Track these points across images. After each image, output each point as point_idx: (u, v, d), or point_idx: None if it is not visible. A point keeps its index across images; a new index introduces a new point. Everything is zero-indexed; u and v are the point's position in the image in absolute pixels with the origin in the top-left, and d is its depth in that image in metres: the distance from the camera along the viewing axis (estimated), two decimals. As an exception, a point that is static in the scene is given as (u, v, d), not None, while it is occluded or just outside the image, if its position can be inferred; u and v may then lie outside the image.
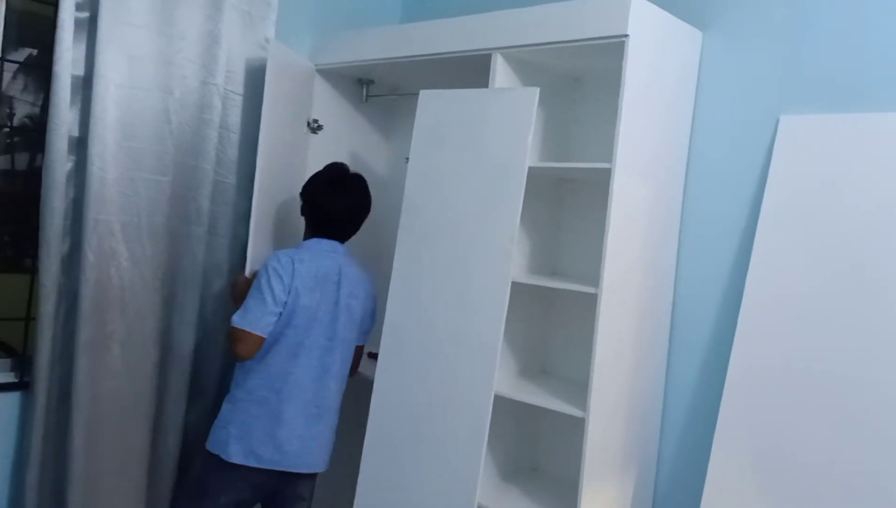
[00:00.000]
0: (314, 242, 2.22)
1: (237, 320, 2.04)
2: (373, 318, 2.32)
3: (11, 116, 2.26)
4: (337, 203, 2.22)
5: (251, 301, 2.06)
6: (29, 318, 2.21)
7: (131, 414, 2.27)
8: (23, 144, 2.35)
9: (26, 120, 2.34)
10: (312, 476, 2.19)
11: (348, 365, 2.24)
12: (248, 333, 2.03)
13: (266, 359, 2.09)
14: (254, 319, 2.03)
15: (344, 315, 2.17)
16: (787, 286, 1.88)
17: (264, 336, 2.05)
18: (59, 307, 2.15)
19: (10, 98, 2.23)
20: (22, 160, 2.38)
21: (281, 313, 2.06)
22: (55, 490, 2.18)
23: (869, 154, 1.83)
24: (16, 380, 2.19)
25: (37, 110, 2.32)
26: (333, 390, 2.17)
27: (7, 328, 2.27)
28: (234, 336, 2.05)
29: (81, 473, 2.17)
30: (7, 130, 2.20)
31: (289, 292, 2.07)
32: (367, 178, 2.78)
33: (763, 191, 1.97)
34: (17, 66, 2.23)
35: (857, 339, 1.75)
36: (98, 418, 2.19)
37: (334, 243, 2.22)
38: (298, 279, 2.08)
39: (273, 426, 2.07)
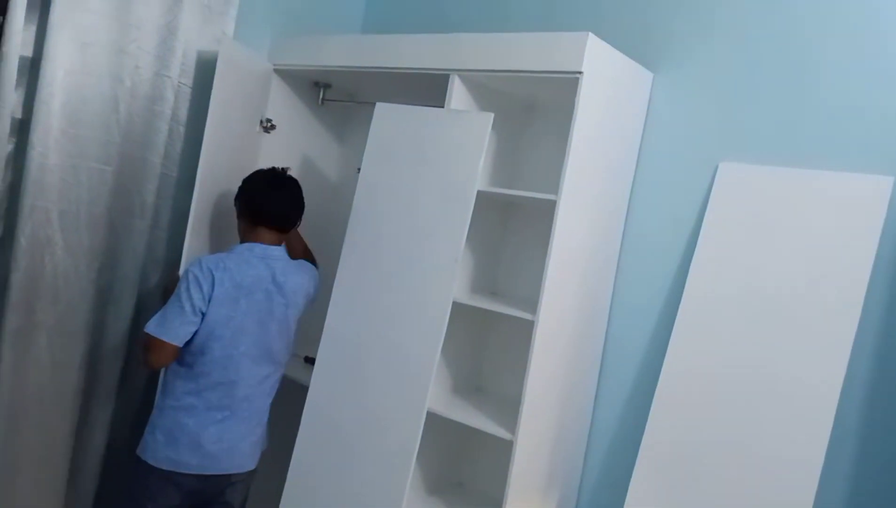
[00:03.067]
0: (245, 247, 2.13)
1: (152, 328, 1.98)
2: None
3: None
4: (276, 199, 2.16)
5: (169, 309, 2.00)
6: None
7: (55, 408, 2.21)
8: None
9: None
10: (242, 482, 2.16)
11: (281, 372, 2.20)
12: (163, 342, 1.97)
13: (194, 368, 2.04)
14: (170, 328, 1.98)
15: (276, 326, 2.11)
16: (714, 327, 1.97)
17: (179, 345, 1.99)
18: (-11, 294, 2.09)
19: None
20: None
21: (200, 323, 2.01)
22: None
23: (799, 208, 1.93)
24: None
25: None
26: (264, 395, 2.15)
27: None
28: (148, 344, 2.00)
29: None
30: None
31: (208, 302, 2.01)
32: (317, 182, 2.80)
33: (698, 233, 2.05)
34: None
35: (778, 390, 1.85)
36: (19, 409, 2.13)
37: (268, 248, 2.13)
38: (218, 288, 2.01)
39: (199, 433, 2.04)
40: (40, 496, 2.22)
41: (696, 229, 2.08)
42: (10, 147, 2.08)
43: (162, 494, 2.07)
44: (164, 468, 2.04)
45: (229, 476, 2.11)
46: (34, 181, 2.07)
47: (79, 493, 2.34)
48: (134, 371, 2.42)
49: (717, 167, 2.08)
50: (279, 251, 2.17)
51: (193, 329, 2.00)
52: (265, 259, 2.12)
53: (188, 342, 2.02)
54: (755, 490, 1.82)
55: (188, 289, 1.99)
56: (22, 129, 2.09)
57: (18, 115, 2.09)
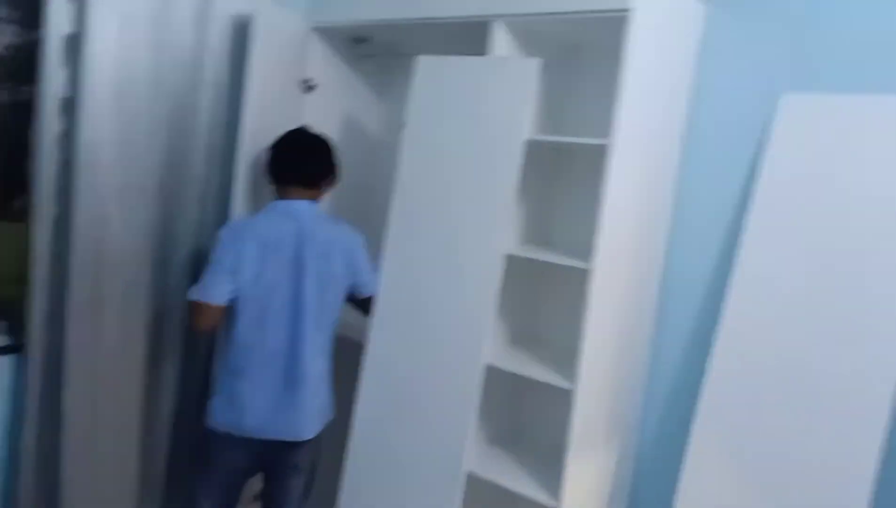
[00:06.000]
0: (271, 205, 2.18)
1: (193, 293, 2.06)
2: (365, 268, 2.22)
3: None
4: (291, 152, 2.20)
5: (205, 273, 2.07)
6: (22, 281, 2.19)
7: (125, 378, 2.29)
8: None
9: (3, 51, 2.22)
10: (306, 444, 2.20)
11: (328, 329, 2.18)
12: (205, 304, 2.04)
13: (236, 331, 2.10)
14: (208, 289, 2.04)
15: (310, 280, 2.10)
16: (776, 269, 1.90)
17: (222, 305, 2.05)
18: (52, 272, 2.14)
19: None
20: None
21: (236, 282, 2.06)
22: (51, 453, 2.20)
23: (871, 137, 1.82)
24: (10, 343, 2.19)
25: (17, 40, 2.19)
26: (309, 357, 2.13)
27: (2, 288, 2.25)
28: (191, 309, 2.08)
29: (76, 436, 2.19)
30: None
31: (240, 261, 2.06)
32: (359, 139, 2.79)
33: (759, 171, 1.97)
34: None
35: (844, 328, 1.78)
36: (91, 382, 2.20)
37: (294, 204, 2.15)
38: (245, 247, 2.06)
39: (250, 396, 2.10)
40: (116, 461, 2.31)
41: (757, 167, 2.00)
42: (60, 126, 2.10)
43: (230, 456, 2.15)
44: (226, 430, 2.11)
45: (287, 441, 2.15)
46: (87, 158, 2.09)
47: (153, 457, 2.43)
48: (196, 339, 2.47)
49: (778, 100, 1.98)
50: (306, 205, 2.17)
51: (231, 288, 2.06)
52: (290, 215, 2.14)
53: (229, 307, 2.08)
54: (820, 438, 1.77)
55: (219, 250, 2.07)
56: (70, 107, 2.10)
57: (66, 93, 2.10)
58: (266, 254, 2.08)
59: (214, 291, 2.05)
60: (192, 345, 2.48)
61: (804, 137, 1.92)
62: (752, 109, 2.03)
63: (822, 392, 1.79)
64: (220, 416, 2.13)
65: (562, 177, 2.38)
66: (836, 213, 1.84)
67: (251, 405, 2.10)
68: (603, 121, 1.89)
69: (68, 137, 2.11)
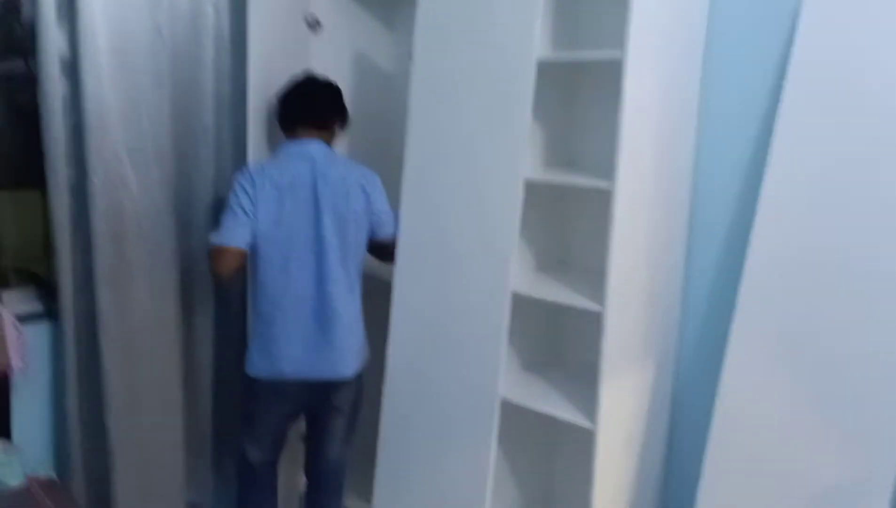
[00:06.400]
0: (283, 147, 2.18)
1: (213, 238, 2.09)
2: (384, 208, 2.22)
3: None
4: (294, 98, 2.21)
5: (224, 219, 2.08)
6: (48, 248, 2.21)
7: (161, 338, 2.31)
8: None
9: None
10: (346, 385, 2.22)
11: (353, 268, 2.18)
12: (224, 248, 2.05)
13: (261, 277, 2.12)
14: (226, 232, 2.06)
15: (329, 218, 2.10)
16: (810, 168, 1.81)
17: (242, 248, 2.07)
18: (75, 238, 2.16)
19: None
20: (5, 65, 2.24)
21: (254, 225, 2.07)
22: (96, 415, 2.25)
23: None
24: (43, 310, 2.23)
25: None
26: (338, 295, 2.13)
27: (30, 256, 2.30)
28: (212, 255, 2.09)
29: (118, 399, 2.23)
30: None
31: (257, 204, 2.06)
32: (373, 76, 2.72)
33: (786, 67, 1.86)
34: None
35: (879, 221, 1.70)
36: (128, 344, 2.23)
37: (306, 144, 2.15)
38: (260, 191, 2.06)
39: (284, 340, 2.12)
40: (161, 417, 2.36)
41: (783, 63, 1.88)
42: (64, 90, 2.08)
43: (271, 403, 2.18)
44: (264, 377, 2.13)
45: (327, 381, 2.18)
46: (96, 120, 2.08)
47: (197, 410, 2.49)
48: (229, 291, 2.48)
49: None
50: (317, 145, 2.16)
51: (250, 230, 2.07)
52: (303, 156, 2.13)
53: (252, 254, 2.09)
54: (864, 324, 1.70)
55: (236, 195, 2.08)
56: (73, 68, 2.08)
57: (66, 55, 2.07)
58: (283, 196, 2.08)
59: (233, 234, 2.06)
60: (225, 297, 2.50)
61: (833, 25, 1.79)
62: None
63: (862, 279, 1.71)
64: (257, 363, 2.16)
65: (580, 95, 2.29)
66: (869, 98, 1.73)
67: (286, 349, 2.12)
68: (618, 33, 1.79)
69: (74, 100, 2.10)
